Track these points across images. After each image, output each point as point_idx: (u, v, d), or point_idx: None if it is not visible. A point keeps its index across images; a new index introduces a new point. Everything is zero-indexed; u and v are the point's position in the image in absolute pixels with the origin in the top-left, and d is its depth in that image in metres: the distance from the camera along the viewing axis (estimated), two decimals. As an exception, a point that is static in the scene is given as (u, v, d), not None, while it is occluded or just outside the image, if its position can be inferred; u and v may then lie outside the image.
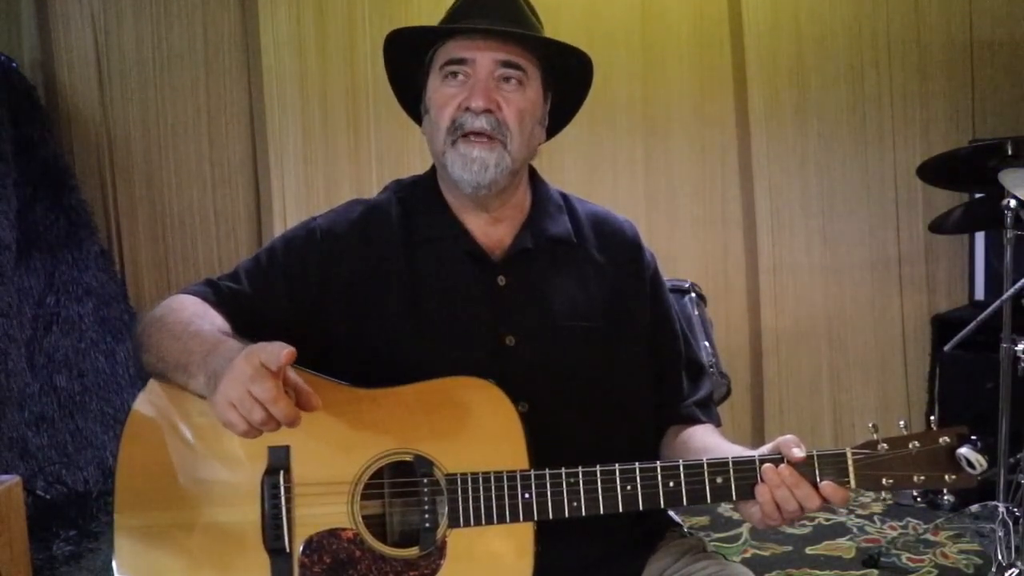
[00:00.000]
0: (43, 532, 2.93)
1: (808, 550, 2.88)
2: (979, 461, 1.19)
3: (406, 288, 1.38)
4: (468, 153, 1.35)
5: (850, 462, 1.22)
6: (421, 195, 1.46)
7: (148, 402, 1.29)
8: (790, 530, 3.00)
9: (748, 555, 2.88)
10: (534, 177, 1.50)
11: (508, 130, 1.35)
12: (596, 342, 1.41)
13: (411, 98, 1.48)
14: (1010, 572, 2.38)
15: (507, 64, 1.36)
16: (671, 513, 1.51)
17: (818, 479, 1.21)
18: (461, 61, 1.36)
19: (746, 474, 1.23)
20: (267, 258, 1.42)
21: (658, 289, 1.51)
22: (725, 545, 2.95)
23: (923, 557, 2.79)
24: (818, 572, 2.74)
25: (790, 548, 2.90)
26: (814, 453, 1.22)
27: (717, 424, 1.50)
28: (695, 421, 1.47)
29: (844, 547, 2.91)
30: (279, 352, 1.10)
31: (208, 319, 1.29)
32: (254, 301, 1.38)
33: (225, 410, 1.12)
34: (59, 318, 3.32)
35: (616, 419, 1.40)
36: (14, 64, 3.38)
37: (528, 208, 1.46)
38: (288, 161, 3.67)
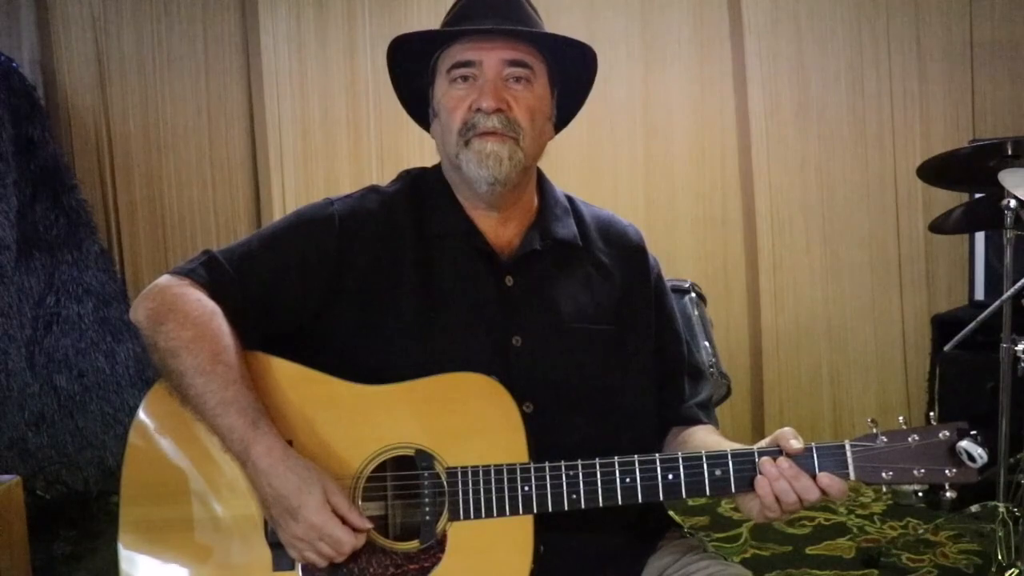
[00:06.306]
0: (43, 532, 2.92)
1: (808, 550, 2.87)
2: (980, 455, 1.18)
3: (418, 282, 1.38)
4: (483, 148, 1.34)
5: (849, 454, 1.22)
6: (432, 189, 1.46)
7: (157, 398, 1.30)
8: (790, 530, 3.00)
9: (748, 555, 2.87)
10: (541, 179, 1.50)
11: (520, 128, 1.36)
12: (602, 344, 1.41)
13: (415, 103, 1.48)
14: (1010, 572, 2.38)
15: (514, 63, 1.36)
16: (671, 513, 1.52)
17: (817, 471, 1.22)
18: (468, 63, 1.36)
19: (745, 467, 1.23)
20: (284, 238, 1.38)
21: (661, 293, 1.51)
22: (725, 545, 2.94)
23: (923, 557, 2.79)
24: (818, 572, 2.74)
25: (790, 548, 2.89)
26: (812, 445, 1.23)
27: (715, 427, 1.51)
28: (696, 422, 1.47)
29: (844, 547, 2.90)
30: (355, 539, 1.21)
31: (231, 356, 1.26)
32: (265, 290, 1.35)
33: (292, 542, 1.21)
34: (59, 318, 3.32)
35: (620, 421, 1.40)
36: (14, 64, 3.37)
37: (535, 209, 1.46)
38: (288, 161, 3.67)
